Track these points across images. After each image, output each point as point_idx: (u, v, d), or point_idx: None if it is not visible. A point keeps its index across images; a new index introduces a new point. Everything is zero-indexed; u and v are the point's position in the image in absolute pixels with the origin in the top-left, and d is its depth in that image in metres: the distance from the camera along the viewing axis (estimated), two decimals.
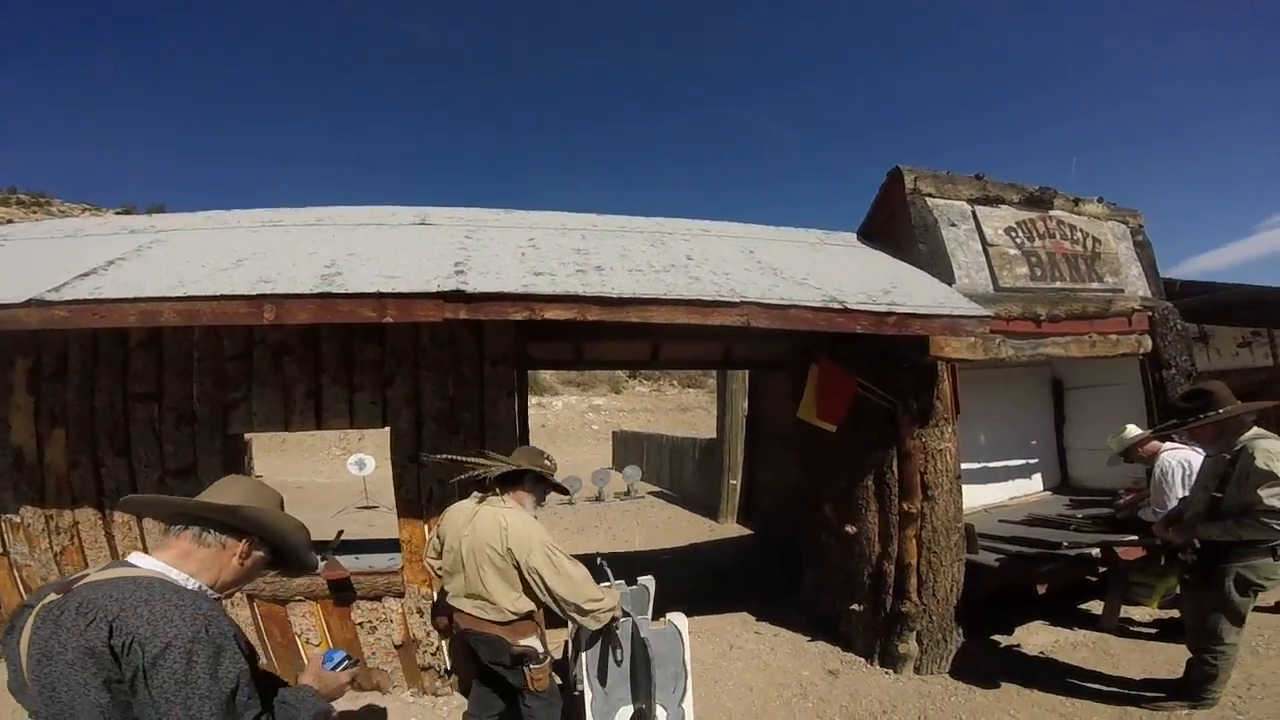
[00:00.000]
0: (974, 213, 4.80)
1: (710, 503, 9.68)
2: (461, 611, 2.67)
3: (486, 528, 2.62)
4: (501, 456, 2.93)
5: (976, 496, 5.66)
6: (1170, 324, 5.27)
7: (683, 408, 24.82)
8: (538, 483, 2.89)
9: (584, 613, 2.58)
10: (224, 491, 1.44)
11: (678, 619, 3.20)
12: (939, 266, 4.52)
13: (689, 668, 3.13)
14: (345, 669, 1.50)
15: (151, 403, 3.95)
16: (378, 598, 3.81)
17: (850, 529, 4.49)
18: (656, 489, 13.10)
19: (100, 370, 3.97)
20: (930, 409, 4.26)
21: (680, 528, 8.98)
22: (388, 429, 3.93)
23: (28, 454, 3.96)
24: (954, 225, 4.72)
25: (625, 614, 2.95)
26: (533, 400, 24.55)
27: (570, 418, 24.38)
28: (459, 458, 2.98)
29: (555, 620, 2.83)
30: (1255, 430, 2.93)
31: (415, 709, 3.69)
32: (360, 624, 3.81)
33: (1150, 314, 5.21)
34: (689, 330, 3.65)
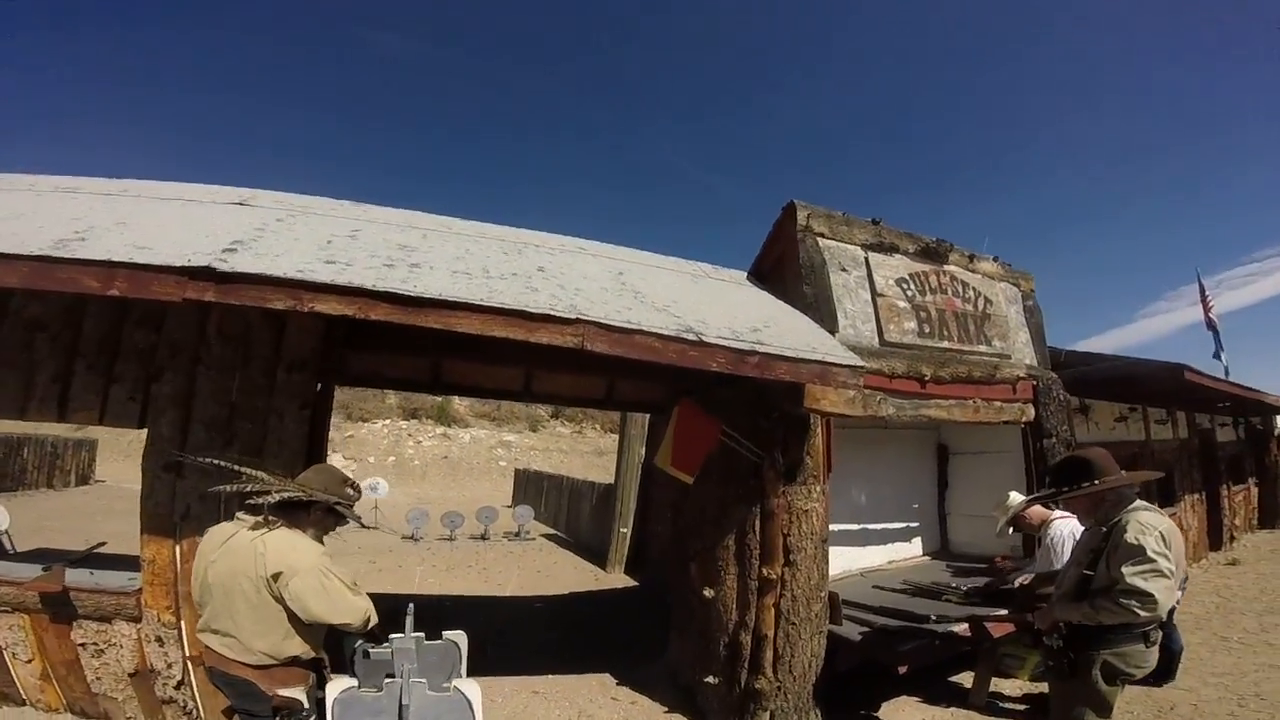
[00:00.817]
0: (867, 259, 4.58)
1: (601, 550, 9.07)
2: (208, 647, 2.33)
3: (241, 554, 2.26)
4: (282, 478, 2.45)
5: (853, 559, 5.42)
6: (1054, 394, 5.22)
7: (600, 452, 24.17)
8: (328, 514, 2.47)
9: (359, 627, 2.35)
10: None
11: (468, 687, 2.61)
12: (823, 312, 4.24)
13: None
14: None
15: None
16: (106, 619, 3.29)
17: (708, 593, 4.01)
18: (552, 531, 12.33)
19: None
20: (798, 465, 3.91)
21: (564, 574, 8.30)
22: (147, 430, 3.36)
23: None
24: (845, 270, 4.47)
25: (390, 675, 2.54)
26: (439, 430, 23.41)
27: (477, 451, 23.16)
28: (236, 467, 2.45)
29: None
30: (1138, 503, 2.64)
31: None
32: (83, 645, 3.30)
33: (1035, 383, 5.13)
34: (554, 357, 3.19)
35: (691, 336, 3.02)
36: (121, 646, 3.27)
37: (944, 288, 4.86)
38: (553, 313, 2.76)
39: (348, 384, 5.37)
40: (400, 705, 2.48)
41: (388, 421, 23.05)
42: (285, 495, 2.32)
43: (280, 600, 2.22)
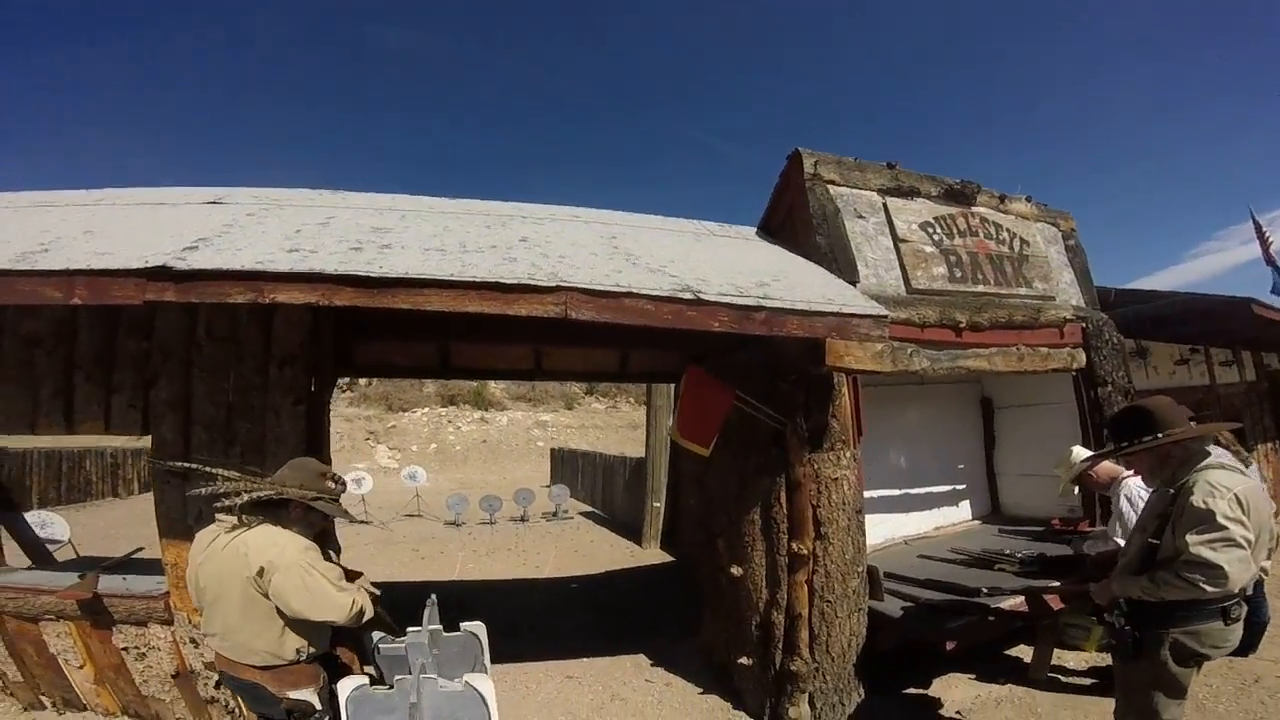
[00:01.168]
0: (885, 205, 4.19)
1: (637, 526, 8.98)
2: (217, 652, 2.32)
3: (226, 556, 2.22)
4: (256, 477, 2.36)
5: (895, 527, 5.10)
6: (1106, 336, 4.73)
7: (634, 425, 23.97)
8: (309, 511, 2.37)
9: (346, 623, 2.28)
10: None
11: (480, 681, 2.48)
12: (840, 263, 3.89)
13: None
14: None
15: None
16: (141, 623, 3.33)
17: (736, 570, 3.81)
18: (590, 509, 12.33)
19: None
20: (824, 430, 3.63)
21: (601, 552, 8.24)
22: (151, 437, 3.36)
23: None
24: (861, 217, 4.09)
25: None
26: (476, 414, 23.70)
27: (515, 433, 23.36)
28: (209, 469, 2.37)
29: None
30: (1211, 459, 2.25)
31: None
32: (125, 649, 3.36)
33: (1084, 325, 4.66)
34: (561, 333, 2.97)
35: (688, 296, 2.75)
36: (160, 649, 3.33)
37: (974, 230, 4.44)
38: (531, 282, 2.54)
39: (356, 374, 5.35)
40: (411, 703, 2.35)
41: (427, 410, 23.47)
42: (256, 495, 2.22)
43: (268, 597, 2.17)
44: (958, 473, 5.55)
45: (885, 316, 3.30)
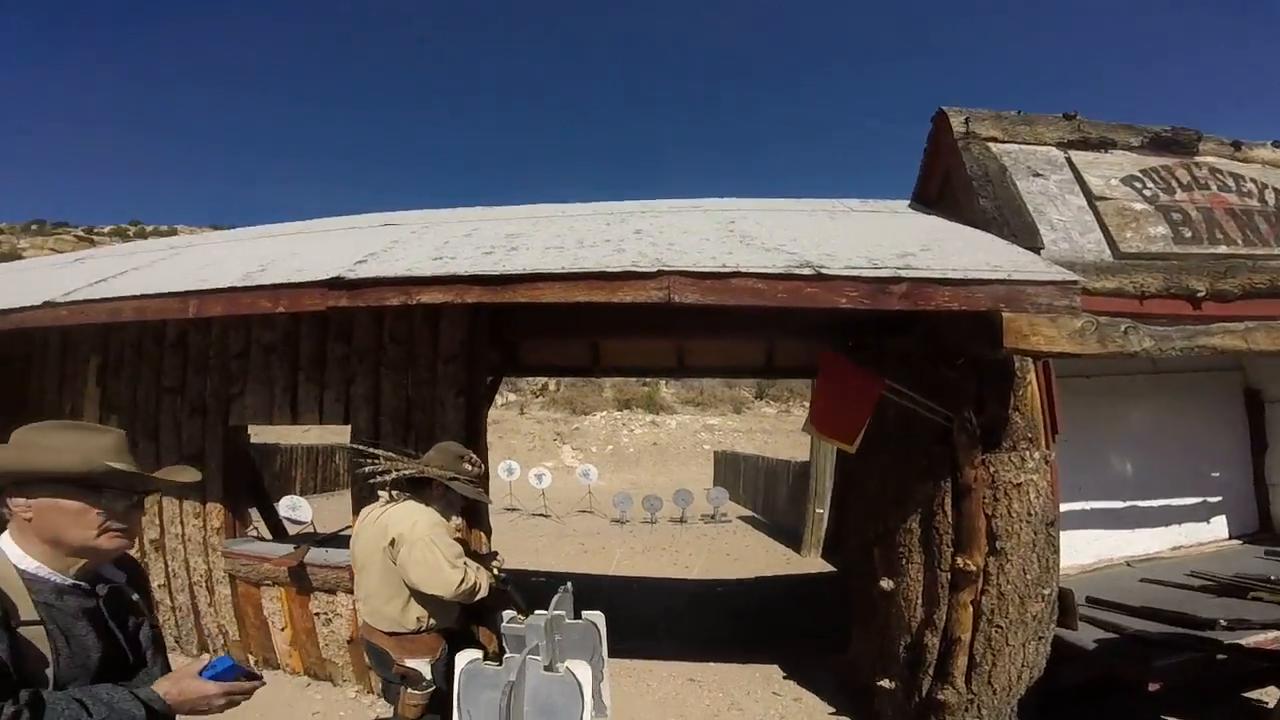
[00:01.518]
0: (1069, 159, 3.51)
1: (797, 533, 8.50)
2: (363, 620, 2.56)
3: (374, 527, 2.46)
4: (406, 458, 2.65)
5: (1116, 546, 4.17)
6: None
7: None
8: (448, 490, 2.57)
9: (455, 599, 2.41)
10: None
11: (579, 669, 2.53)
12: (1013, 226, 3.26)
13: None
14: (227, 679, 1.22)
15: (175, 395, 4.34)
16: (331, 591, 3.73)
17: (886, 584, 3.38)
18: (750, 513, 11.99)
19: (143, 367, 4.41)
20: (1001, 426, 3.07)
21: (754, 558, 7.98)
22: (350, 425, 3.95)
23: None
24: (1039, 175, 3.43)
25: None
26: (647, 418, 24.61)
27: (683, 436, 23.78)
28: (363, 448, 2.77)
29: None
30: None
31: (353, 705, 3.61)
32: (317, 614, 3.78)
33: None
34: (701, 326, 2.97)
35: (807, 271, 2.51)
36: (342, 616, 3.73)
37: (1202, 182, 3.54)
38: (634, 269, 2.54)
39: (521, 373, 5.87)
40: (508, 681, 2.47)
41: (605, 413, 25.06)
42: (401, 474, 2.48)
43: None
44: (1209, 482, 4.38)
45: (1075, 282, 2.69)
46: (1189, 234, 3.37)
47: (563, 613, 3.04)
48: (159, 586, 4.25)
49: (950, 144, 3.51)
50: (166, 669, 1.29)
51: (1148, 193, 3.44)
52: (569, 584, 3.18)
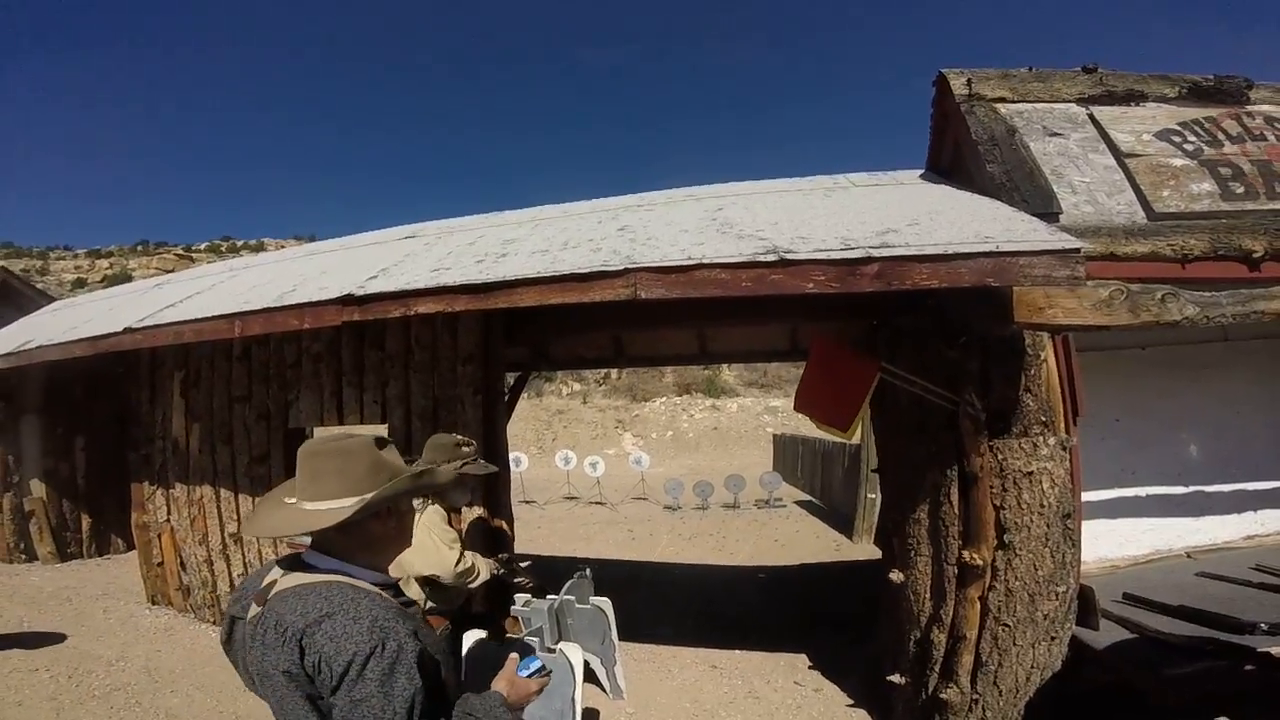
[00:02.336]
0: (1092, 115, 3.21)
1: (850, 518, 8.25)
2: None
3: None
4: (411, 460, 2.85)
5: (1175, 536, 3.82)
6: None
7: None
8: (459, 480, 2.71)
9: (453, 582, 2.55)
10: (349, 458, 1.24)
11: (570, 650, 2.67)
12: (1024, 191, 3.02)
13: (578, 711, 2.57)
14: (538, 677, 1.43)
15: (244, 403, 4.84)
16: None
17: (896, 576, 3.30)
18: (807, 498, 11.72)
19: (215, 379, 4.97)
20: (1010, 410, 2.91)
21: (802, 544, 7.84)
22: (386, 425, 4.26)
23: (179, 443, 5.16)
24: (1056, 135, 3.16)
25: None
26: (708, 402, 24.39)
27: (744, 420, 23.44)
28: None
29: None
30: None
31: None
32: None
33: None
34: (720, 313, 3.03)
35: (771, 258, 2.46)
36: None
37: (1256, 133, 3.16)
38: (604, 268, 2.59)
39: (552, 368, 6.07)
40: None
41: (664, 399, 25.16)
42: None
43: None
44: None
45: (1076, 250, 2.47)
46: (1240, 189, 3.01)
47: (572, 598, 3.19)
48: (238, 576, 4.80)
49: (954, 108, 3.29)
50: None
51: (1189, 147, 3.10)
52: (587, 569, 3.30)
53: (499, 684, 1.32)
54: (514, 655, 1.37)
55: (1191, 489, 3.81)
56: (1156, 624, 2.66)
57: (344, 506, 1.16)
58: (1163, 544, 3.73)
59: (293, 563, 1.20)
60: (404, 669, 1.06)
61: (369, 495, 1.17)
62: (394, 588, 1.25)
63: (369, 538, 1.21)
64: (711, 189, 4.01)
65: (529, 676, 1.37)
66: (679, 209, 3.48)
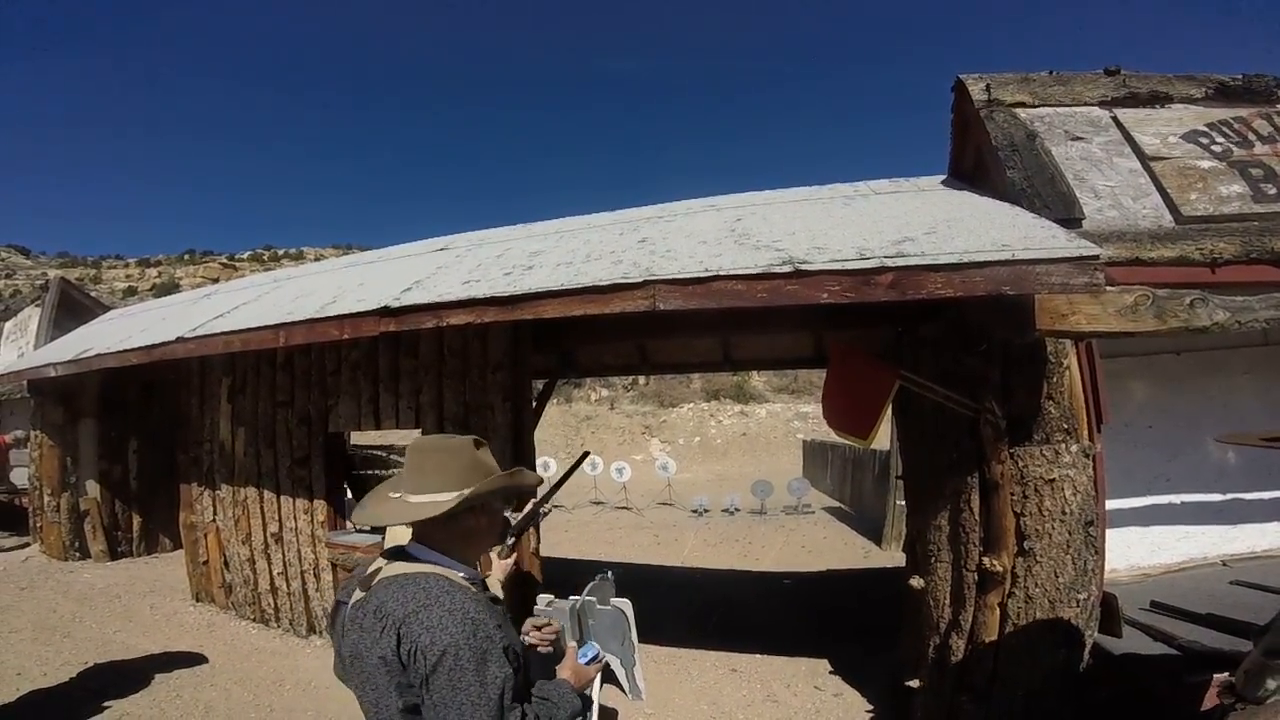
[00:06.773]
0: (1115, 119, 3.16)
1: (879, 525, 8.16)
2: None
3: None
4: None
5: (1212, 543, 3.71)
6: None
7: None
8: None
9: None
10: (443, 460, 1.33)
11: (623, 604, 2.80)
12: (1046, 197, 3.00)
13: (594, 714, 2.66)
14: (594, 663, 1.58)
15: (287, 409, 5.09)
16: None
17: (916, 582, 3.32)
18: (836, 504, 11.59)
19: (260, 385, 5.24)
20: (1031, 416, 2.90)
21: (829, 551, 7.78)
22: (420, 430, 4.39)
23: (226, 446, 5.44)
24: (1078, 139, 3.13)
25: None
26: (737, 408, 24.26)
27: (774, 425, 23.24)
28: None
29: None
30: None
31: None
32: None
33: None
34: (743, 321, 3.05)
35: (787, 269, 2.52)
36: None
37: None
38: (623, 280, 2.67)
39: (579, 374, 6.20)
40: None
41: (692, 405, 25.11)
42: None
43: None
44: None
45: (1094, 257, 2.46)
46: (1273, 190, 2.93)
47: (593, 599, 3.29)
48: (278, 575, 5.03)
49: (974, 114, 3.30)
50: None
51: (1217, 148, 3.04)
52: (609, 572, 3.39)
53: (564, 671, 1.44)
54: (572, 645, 1.51)
55: (1229, 496, 3.70)
56: (1182, 632, 2.62)
57: (445, 500, 1.25)
58: (1197, 552, 3.63)
59: (396, 553, 1.30)
60: (495, 658, 1.14)
61: (467, 490, 1.26)
62: (482, 583, 1.34)
63: (465, 531, 1.30)
64: (732, 199, 4.08)
65: (588, 664, 1.52)
66: (698, 219, 3.56)
